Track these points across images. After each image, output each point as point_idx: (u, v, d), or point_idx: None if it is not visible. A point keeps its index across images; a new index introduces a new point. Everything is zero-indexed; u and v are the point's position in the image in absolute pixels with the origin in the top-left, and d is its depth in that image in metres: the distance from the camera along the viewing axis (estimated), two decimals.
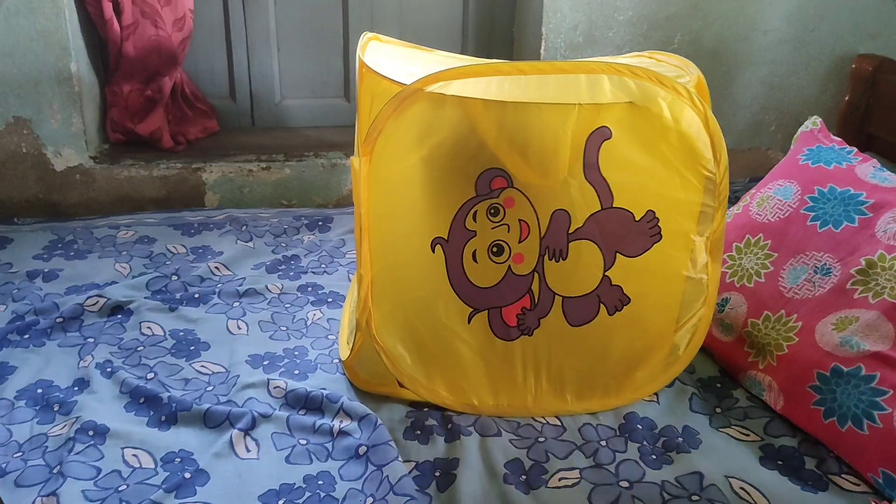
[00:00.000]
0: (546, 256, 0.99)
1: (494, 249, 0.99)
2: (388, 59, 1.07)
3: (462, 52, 1.75)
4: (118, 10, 1.59)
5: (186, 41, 1.69)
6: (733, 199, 1.57)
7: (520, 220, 0.98)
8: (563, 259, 0.99)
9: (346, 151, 1.75)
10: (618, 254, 1.00)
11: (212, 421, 0.99)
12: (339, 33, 1.86)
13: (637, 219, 0.98)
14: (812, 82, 1.86)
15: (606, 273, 1.00)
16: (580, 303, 1.01)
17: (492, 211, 0.97)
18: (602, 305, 1.02)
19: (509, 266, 0.99)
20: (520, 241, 0.99)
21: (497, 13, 1.89)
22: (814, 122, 1.30)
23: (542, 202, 0.97)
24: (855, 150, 1.20)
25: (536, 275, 1.00)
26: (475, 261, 0.99)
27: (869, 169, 1.14)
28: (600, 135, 0.95)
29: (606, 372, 1.04)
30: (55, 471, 0.90)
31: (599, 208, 0.98)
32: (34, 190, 1.67)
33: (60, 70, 1.57)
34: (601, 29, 1.72)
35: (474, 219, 0.98)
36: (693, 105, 0.95)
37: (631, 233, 0.99)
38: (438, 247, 0.98)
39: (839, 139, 1.24)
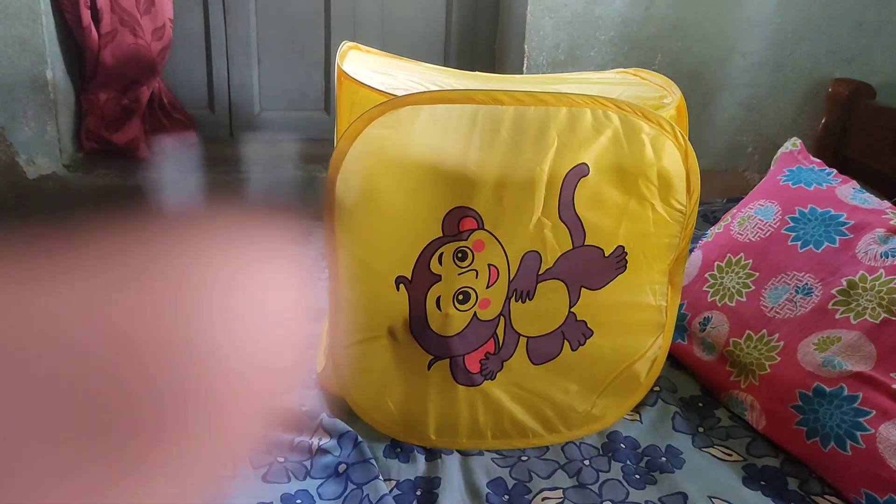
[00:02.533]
0: (513, 299, 0.94)
1: (460, 297, 0.92)
2: (367, 67, 1.05)
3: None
4: (97, 18, 1.57)
5: (165, 50, 1.67)
6: (712, 219, 1.58)
7: (489, 264, 0.91)
8: (530, 300, 0.95)
9: (326, 164, 1.74)
10: (582, 288, 0.96)
11: None
12: (320, 46, 1.85)
13: (606, 255, 0.94)
14: (789, 105, 1.89)
15: (572, 309, 0.97)
16: (544, 341, 0.97)
17: (459, 255, 0.90)
18: (566, 341, 0.98)
19: (475, 313, 0.94)
20: (487, 287, 0.93)
21: (479, 29, 1.90)
22: (794, 144, 1.31)
23: (513, 244, 0.91)
24: (835, 171, 1.21)
25: (502, 318, 0.95)
26: (438, 308, 0.93)
27: (849, 190, 1.15)
28: (578, 172, 0.89)
29: (567, 405, 1.01)
30: None
31: (571, 248, 0.93)
32: (5, 198, 1.63)
33: (36, 77, 1.54)
34: (583, 48, 1.73)
35: (440, 262, 0.90)
36: (675, 140, 0.91)
37: (599, 268, 0.95)
38: (402, 286, 0.92)
39: (819, 160, 1.25)
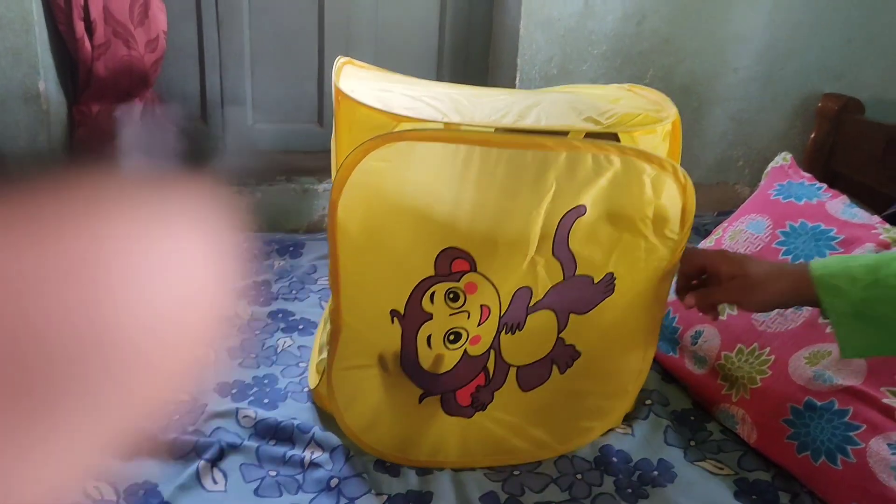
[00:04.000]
0: (503, 332, 0.94)
1: (451, 337, 0.92)
2: (363, 84, 1.05)
3: (437, 80, 1.75)
4: (90, 30, 1.57)
5: (159, 62, 1.67)
6: (703, 233, 1.59)
7: (481, 304, 0.91)
8: (520, 331, 0.94)
9: (318, 177, 1.74)
10: (571, 314, 0.96)
11: (177, 452, 0.96)
12: (313, 58, 1.85)
13: (596, 282, 0.94)
14: (779, 120, 1.90)
15: (560, 335, 0.97)
16: (533, 368, 0.98)
17: (451, 296, 0.89)
18: (554, 366, 0.98)
19: (465, 349, 0.94)
20: (478, 325, 0.92)
21: (472, 42, 1.90)
22: (784, 158, 1.32)
23: (505, 284, 0.91)
24: (825, 186, 1.22)
25: (492, 351, 0.95)
26: (429, 346, 0.92)
27: (839, 205, 1.16)
28: (575, 213, 0.88)
29: (556, 423, 1.01)
30: None
31: (562, 279, 0.92)
32: None
33: (28, 88, 1.54)
34: (575, 62, 1.74)
35: (431, 300, 0.89)
36: (675, 179, 0.89)
37: (588, 295, 0.95)
38: (396, 320, 0.91)
39: (809, 175, 1.26)
